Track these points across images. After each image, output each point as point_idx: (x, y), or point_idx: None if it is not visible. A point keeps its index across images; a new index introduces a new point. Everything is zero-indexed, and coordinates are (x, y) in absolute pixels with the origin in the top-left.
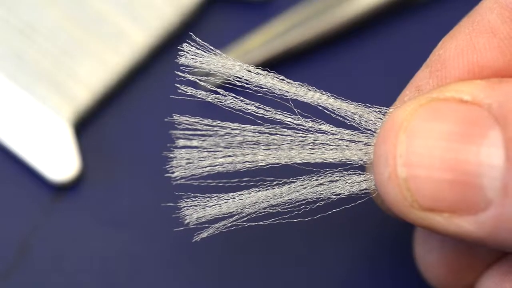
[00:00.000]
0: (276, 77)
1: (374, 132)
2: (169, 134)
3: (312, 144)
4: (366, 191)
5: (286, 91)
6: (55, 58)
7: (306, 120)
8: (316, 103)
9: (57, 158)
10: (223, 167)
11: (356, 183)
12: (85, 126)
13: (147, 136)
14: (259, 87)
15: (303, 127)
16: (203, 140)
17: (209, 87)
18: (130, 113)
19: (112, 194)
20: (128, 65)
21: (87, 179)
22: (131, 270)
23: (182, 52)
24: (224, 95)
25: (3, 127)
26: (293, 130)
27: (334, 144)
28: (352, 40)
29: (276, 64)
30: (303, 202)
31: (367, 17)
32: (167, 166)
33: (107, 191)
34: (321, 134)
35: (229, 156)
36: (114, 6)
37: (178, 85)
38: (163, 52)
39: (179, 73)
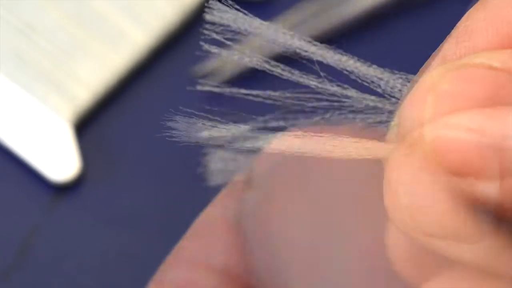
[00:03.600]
0: (304, 39)
1: (399, 99)
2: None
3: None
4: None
5: (312, 53)
6: (55, 58)
7: (331, 84)
8: (342, 68)
9: (57, 158)
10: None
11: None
12: (85, 126)
13: (147, 136)
14: (285, 48)
15: (328, 91)
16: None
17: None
18: (130, 113)
19: (112, 194)
20: (128, 65)
21: (87, 179)
22: (131, 270)
23: (209, 10)
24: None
25: (3, 127)
26: (316, 95)
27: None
28: (352, 40)
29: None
30: None
31: (367, 17)
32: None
33: (108, 191)
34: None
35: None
36: (114, 6)
37: (203, 43)
38: (164, 52)
39: (205, 31)
